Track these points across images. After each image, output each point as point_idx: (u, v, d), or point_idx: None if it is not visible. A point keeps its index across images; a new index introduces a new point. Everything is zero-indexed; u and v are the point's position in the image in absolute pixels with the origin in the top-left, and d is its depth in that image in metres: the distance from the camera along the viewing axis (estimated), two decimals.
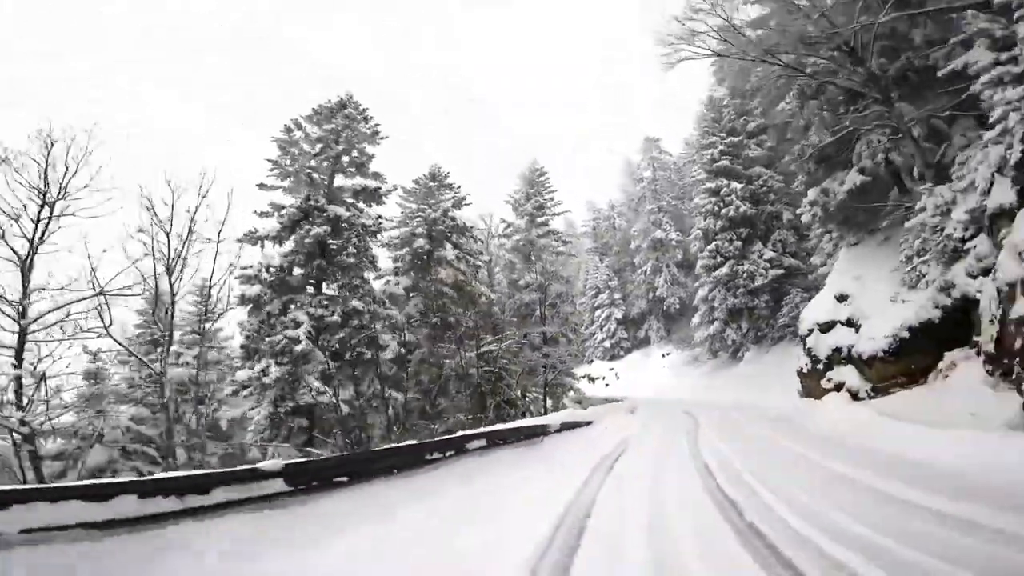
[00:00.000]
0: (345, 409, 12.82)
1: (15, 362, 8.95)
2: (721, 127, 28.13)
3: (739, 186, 26.21)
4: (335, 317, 14.08)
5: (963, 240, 10.00)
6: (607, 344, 41.79)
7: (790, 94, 17.60)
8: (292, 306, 14.54)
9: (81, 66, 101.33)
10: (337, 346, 13.91)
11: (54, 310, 9.22)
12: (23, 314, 8.97)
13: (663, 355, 36.95)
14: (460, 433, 9.44)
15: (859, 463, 6.61)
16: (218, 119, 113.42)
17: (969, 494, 4.75)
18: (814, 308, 15.78)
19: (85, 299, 9.41)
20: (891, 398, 11.25)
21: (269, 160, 16.59)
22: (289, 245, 15.68)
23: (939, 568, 3.28)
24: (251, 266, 13.99)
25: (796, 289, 23.58)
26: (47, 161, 9.28)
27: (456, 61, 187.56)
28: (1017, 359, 6.74)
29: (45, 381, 9.32)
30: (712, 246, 26.49)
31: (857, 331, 13.28)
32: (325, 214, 15.60)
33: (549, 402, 21.81)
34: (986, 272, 8.91)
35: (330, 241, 15.35)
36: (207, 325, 14.16)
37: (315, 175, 16.93)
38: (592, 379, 23.18)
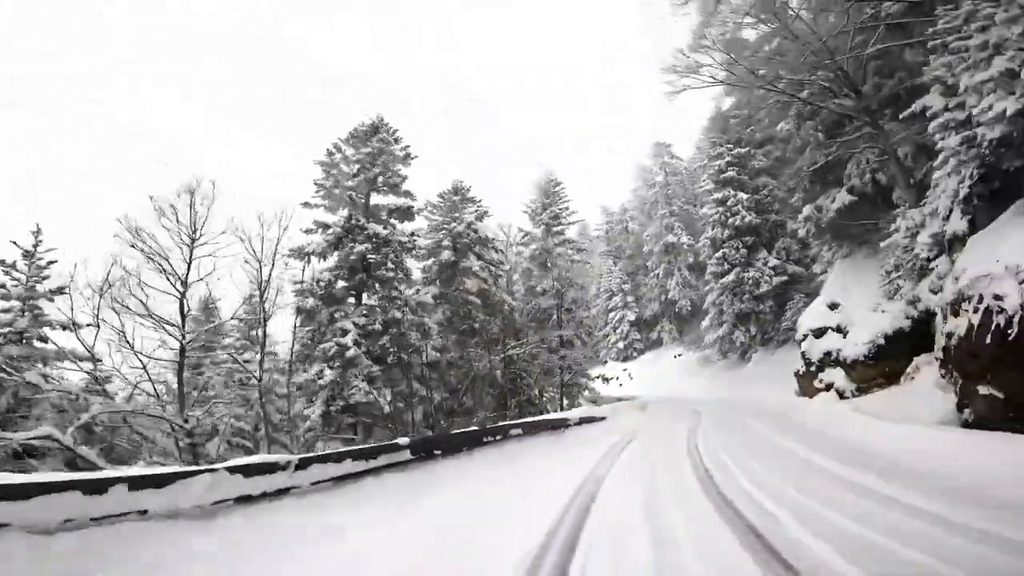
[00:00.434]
0: (387, 408, 14.60)
1: (176, 373, 11.59)
2: (728, 138, 29.48)
3: (745, 196, 27.60)
4: (377, 325, 15.89)
5: (928, 260, 11.45)
6: (620, 345, 43.26)
7: (788, 115, 19.06)
8: (337, 315, 16.37)
9: (81, 66, 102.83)
10: (379, 351, 15.69)
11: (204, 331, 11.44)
12: (184, 336, 11.36)
13: (675, 356, 38.30)
14: (504, 423, 11.95)
15: (814, 447, 8.31)
16: (218, 119, 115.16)
17: (885, 472, 6.30)
18: (809, 315, 17.22)
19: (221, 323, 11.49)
20: (870, 396, 12.75)
21: (315, 182, 18.50)
22: (332, 260, 17.55)
23: (826, 514, 4.82)
24: (303, 281, 15.83)
25: (799, 295, 24.84)
26: (192, 208, 11.41)
27: (456, 61, 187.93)
28: (951, 366, 8.25)
29: (197, 389, 11.61)
30: (719, 254, 27.93)
31: (844, 337, 14.75)
32: (365, 232, 17.41)
33: (565, 401, 23.47)
34: (943, 289, 10.39)
35: (370, 257, 17.17)
36: (259, 332, 16.28)
37: (354, 195, 18.78)
38: (606, 379, 24.77)
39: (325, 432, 15.05)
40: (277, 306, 14.98)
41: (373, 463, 6.86)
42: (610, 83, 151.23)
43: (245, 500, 5.13)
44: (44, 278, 10.35)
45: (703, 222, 32.53)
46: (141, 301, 10.49)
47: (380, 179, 19.49)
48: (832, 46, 16.14)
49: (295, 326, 16.49)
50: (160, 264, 10.99)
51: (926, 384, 10.38)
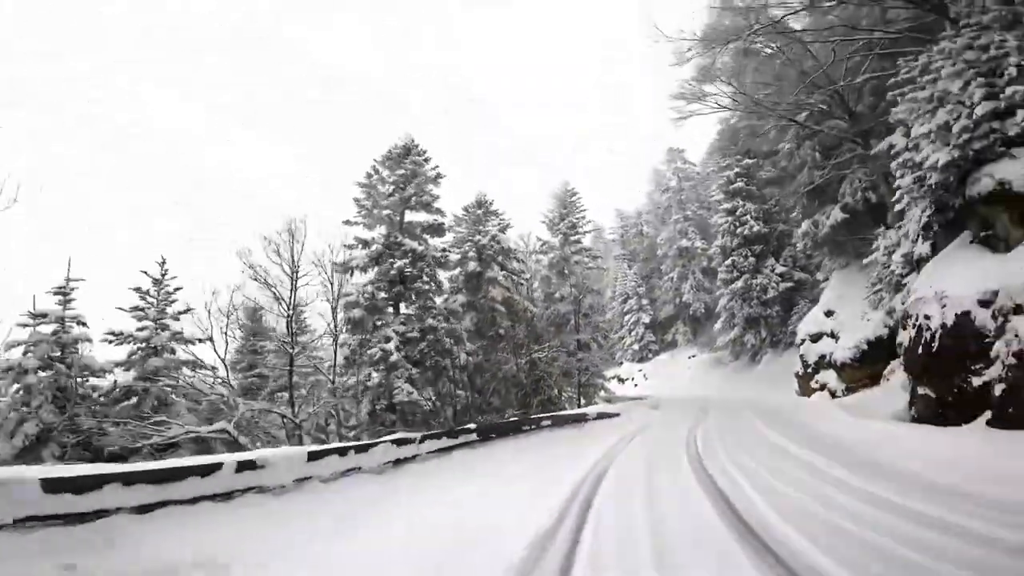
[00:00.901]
0: (428, 406, 16.58)
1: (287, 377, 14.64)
2: (737, 150, 30.89)
3: (753, 206, 29.08)
4: (415, 333, 17.87)
5: (902, 276, 12.99)
6: (635, 347, 44.77)
7: (788, 135, 20.61)
8: (379, 324, 18.40)
9: (81, 66, 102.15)
10: (417, 356, 17.66)
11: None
12: (293, 347, 14.43)
13: (689, 357, 39.72)
14: (536, 416, 14.96)
15: (790, 436, 10.07)
16: (218, 119, 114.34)
17: (836, 455, 8.02)
18: (808, 321, 18.79)
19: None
20: (855, 396, 14.36)
21: (356, 201, 20.57)
22: (371, 274, 19.61)
23: (782, 488, 6.52)
24: (351, 293, 17.88)
25: (804, 300, 26.23)
26: (293, 241, 14.51)
27: (456, 61, 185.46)
28: (904, 369, 9.89)
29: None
30: (729, 261, 29.46)
31: (836, 341, 16.32)
32: (402, 248, 19.41)
33: (583, 400, 25.26)
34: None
35: (407, 270, 19.16)
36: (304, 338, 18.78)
37: (391, 213, 20.81)
38: (621, 379, 26.53)
39: (370, 428, 17.11)
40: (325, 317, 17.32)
41: (455, 441, 10.07)
42: (610, 83, 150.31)
43: (395, 463, 8.40)
44: (172, 301, 12.60)
45: (714, 229, 33.98)
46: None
47: (414, 199, 21.49)
48: (830, 73, 17.64)
49: (336, 332, 18.86)
50: (274, 291, 14.60)
51: (896, 385, 11.98)
